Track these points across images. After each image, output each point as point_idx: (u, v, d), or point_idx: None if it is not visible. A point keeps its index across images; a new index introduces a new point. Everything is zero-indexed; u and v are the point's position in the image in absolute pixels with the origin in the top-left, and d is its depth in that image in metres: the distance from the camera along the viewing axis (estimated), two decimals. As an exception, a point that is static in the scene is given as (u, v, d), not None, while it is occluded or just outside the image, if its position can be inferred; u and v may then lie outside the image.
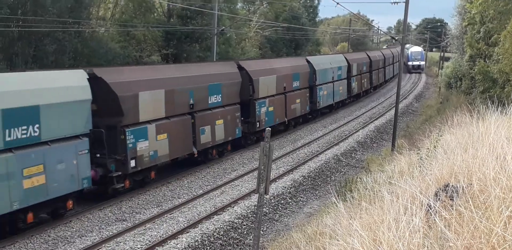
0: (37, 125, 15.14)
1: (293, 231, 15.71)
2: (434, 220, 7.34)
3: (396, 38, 40.59)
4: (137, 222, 17.22)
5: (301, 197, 21.77)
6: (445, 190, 8.44)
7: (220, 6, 42.37)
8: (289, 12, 61.54)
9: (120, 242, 15.47)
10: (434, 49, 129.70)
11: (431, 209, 7.78)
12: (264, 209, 18.66)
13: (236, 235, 16.99)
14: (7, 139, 14.29)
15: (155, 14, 43.18)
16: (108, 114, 18.37)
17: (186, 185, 21.76)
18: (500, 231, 6.27)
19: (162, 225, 17.01)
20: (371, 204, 10.11)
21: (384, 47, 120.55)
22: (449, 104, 40.00)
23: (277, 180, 22.63)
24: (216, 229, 16.72)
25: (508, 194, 7.30)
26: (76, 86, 16.87)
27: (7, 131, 14.27)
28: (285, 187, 21.78)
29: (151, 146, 19.97)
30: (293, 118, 33.94)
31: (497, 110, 15.03)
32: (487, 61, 33.55)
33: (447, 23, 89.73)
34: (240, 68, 27.21)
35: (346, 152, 29.24)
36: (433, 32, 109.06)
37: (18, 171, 14.55)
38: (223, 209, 18.65)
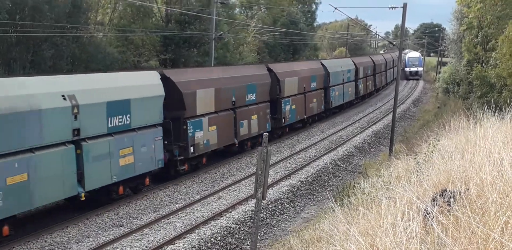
0: (128, 115, 18.86)
1: (291, 236, 15.69)
2: (431, 225, 7.33)
3: (394, 43, 40.61)
4: (134, 227, 17.17)
5: (299, 202, 21.74)
6: (442, 195, 8.44)
7: (218, 11, 42.44)
8: (287, 17, 61.64)
9: (117, 248, 15.42)
10: (431, 54, 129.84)
11: (428, 214, 7.77)
12: (262, 214, 18.64)
13: (233, 240, 16.95)
14: (109, 125, 18.00)
15: (153, 19, 43.22)
16: (174, 108, 21.73)
17: (184, 190, 21.73)
18: (497, 237, 6.26)
19: (159, 230, 16.96)
20: (369, 209, 10.10)
21: (381, 52, 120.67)
22: (447, 109, 40.04)
23: (274, 185, 22.60)
24: (213, 234, 16.68)
25: (505, 199, 7.30)
26: (154, 84, 20.68)
27: (109, 119, 17.93)
28: (283, 192, 21.75)
29: (204, 135, 23.77)
30: (310, 116, 37.43)
31: (494, 115, 15.06)
32: (485, 66, 33.61)
33: (445, 28, 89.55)
34: (269, 70, 30.81)
35: (344, 156, 29.22)
36: (430, 37, 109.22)
37: (116, 151, 18.29)
38: (220, 214, 18.61)
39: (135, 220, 17.99)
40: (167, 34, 39.00)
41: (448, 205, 8.06)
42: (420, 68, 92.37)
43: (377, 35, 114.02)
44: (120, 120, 18.40)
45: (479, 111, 15.93)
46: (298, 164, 26.70)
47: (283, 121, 31.99)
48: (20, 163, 14.59)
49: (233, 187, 22.28)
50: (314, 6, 76.88)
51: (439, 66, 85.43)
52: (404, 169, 14.99)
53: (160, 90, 20.66)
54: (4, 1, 27.03)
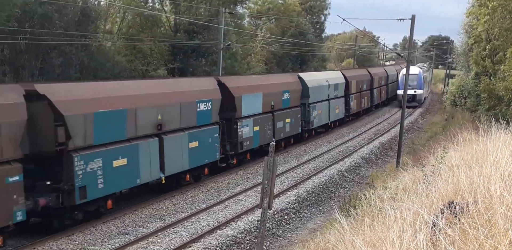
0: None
1: (296, 246, 15.62)
2: (438, 237, 7.29)
3: (402, 55, 40.61)
4: (139, 235, 17.16)
5: (305, 213, 21.68)
6: (449, 207, 8.40)
7: (227, 21, 42.60)
8: (295, 28, 61.80)
9: (122, 256, 15.41)
10: (440, 66, 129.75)
11: (435, 226, 7.73)
12: (268, 224, 18.59)
13: (238, 250, 16.91)
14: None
15: (162, 29, 43.44)
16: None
17: (190, 199, 21.71)
18: None
19: (165, 239, 16.94)
20: (375, 221, 10.06)
21: (389, 63, 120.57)
22: (454, 121, 39.92)
23: (281, 195, 22.56)
24: (219, 243, 16.65)
25: (513, 212, 7.26)
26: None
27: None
28: (289, 202, 21.71)
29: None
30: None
31: (502, 128, 15.01)
32: (493, 79, 33.53)
33: (453, 41, 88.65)
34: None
35: (351, 167, 29.17)
36: (439, 50, 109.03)
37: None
38: (226, 223, 18.57)
39: (140, 228, 17.98)
40: (176, 43, 39.17)
41: (455, 217, 8.02)
42: (420, 91, 61.04)
43: (385, 47, 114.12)
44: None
45: (487, 124, 15.89)
46: (305, 174, 26.66)
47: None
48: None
49: (239, 196, 22.25)
50: (322, 17, 77.16)
51: (447, 79, 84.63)
52: (411, 180, 14.94)
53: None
54: (14, 9, 27.21)
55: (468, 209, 8.03)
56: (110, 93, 18.48)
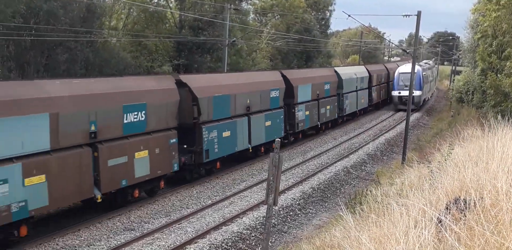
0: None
1: (302, 243, 15.62)
2: (444, 233, 7.27)
3: (408, 51, 40.41)
4: (145, 231, 17.19)
5: (310, 209, 21.68)
6: (455, 203, 8.37)
7: (232, 17, 42.52)
8: (301, 24, 61.63)
9: (128, 252, 15.44)
10: (445, 63, 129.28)
11: (441, 222, 7.70)
12: (273, 220, 18.59)
13: (244, 246, 16.92)
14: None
15: (167, 25, 43.39)
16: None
17: (195, 195, 21.74)
18: (511, 246, 6.20)
19: (170, 235, 16.97)
20: (380, 217, 10.04)
21: (393, 59, 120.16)
22: (460, 118, 39.86)
23: (286, 191, 22.56)
24: (224, 239, 16.66)
25: (520, 208, 7.23)
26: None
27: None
28: (294, 199, 21.70)
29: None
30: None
31: (508, 124, 14.96)
32: (499, 75, 33.40)
33: (459, 37, 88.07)
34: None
35: (356, 164, 29.14)
36: (444, 46, 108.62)
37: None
38: (231, 219, 18.59)
39: (146, 224, 18.01)
40: (181, 39, 39.13)
41: (461, 213, 7.99)
42: (418, 92, 51.89)
43: (390, 43, 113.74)
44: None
45: (493, 120, 15.82)
46: (310, 170, 26.65)
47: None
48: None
49: (244, 192, 22.26)
50: (328, 14, 76.89)
51: (452, 75, 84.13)
52: (417, 177, 14.92)
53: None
54: (19, 6, 27.22)
55: (475, 205, 8.00)
56: (222, 82, 24.81)
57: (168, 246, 15.85)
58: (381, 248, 7.73)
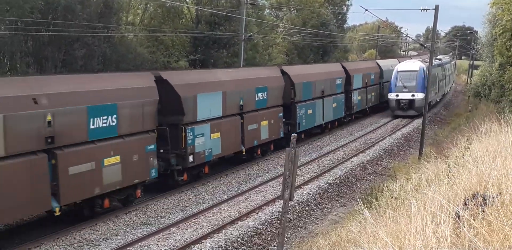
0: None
1: (318, 238, 15.59)
2: (463, 228, 7.20)
3: (425, 45, 40.04)
4: (161, 226, 17.27)
5: (326, 204, 21.63)
6: (474, 198, 8.28)
7: (248, 12, 42.46)
8: (317, 18, 61.39)
9: (145, 246, 15.52)
10: (463, 57, 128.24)
11: (459, 217, 7.63)
12: (289, 215, 18.57)
13: (260, 241, 16.93)
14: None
15: (184, 20, 43.44)
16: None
17: (211, 190, 21.78)
18: (530, 241, 6.13)
19: (187, 229, 17.02)
20: (397, 212, 9.98)
21: (412, 53, 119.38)
22: (478, 112, 39.46)
23: (302, 187, 22.53)
24: (240, 234, 16.68)
25: (539, 203, 7.14)
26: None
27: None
28: (310, 194, 21.67)
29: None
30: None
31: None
32: (518, 70, 33.01)
33: (477, 31, 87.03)
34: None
35: (372, 159, 29.01)
36: (462, 40, 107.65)
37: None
38: (247, 214, 18.60)
39: (162, 219, 18.08)
40: (197, 35, 39.16)
41: (480, 208, 7.91)
42: (420, 95, 42.70)
43: (408, 38, 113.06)
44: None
45: (511, 115, 15.66)
46: (326, 165, 26.58)
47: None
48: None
49: (260, 187, 22.26)
50: (345, 8, 76.52)
51: (470, 70, 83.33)
52: (434, 172, 14.79)
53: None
54: (37, 1, 27.39)
55: (493, 201, 7.92)
56: (308, 71, 32.55)
57: (184, 241, 15.90)
58: (398, 243, 7.67)
